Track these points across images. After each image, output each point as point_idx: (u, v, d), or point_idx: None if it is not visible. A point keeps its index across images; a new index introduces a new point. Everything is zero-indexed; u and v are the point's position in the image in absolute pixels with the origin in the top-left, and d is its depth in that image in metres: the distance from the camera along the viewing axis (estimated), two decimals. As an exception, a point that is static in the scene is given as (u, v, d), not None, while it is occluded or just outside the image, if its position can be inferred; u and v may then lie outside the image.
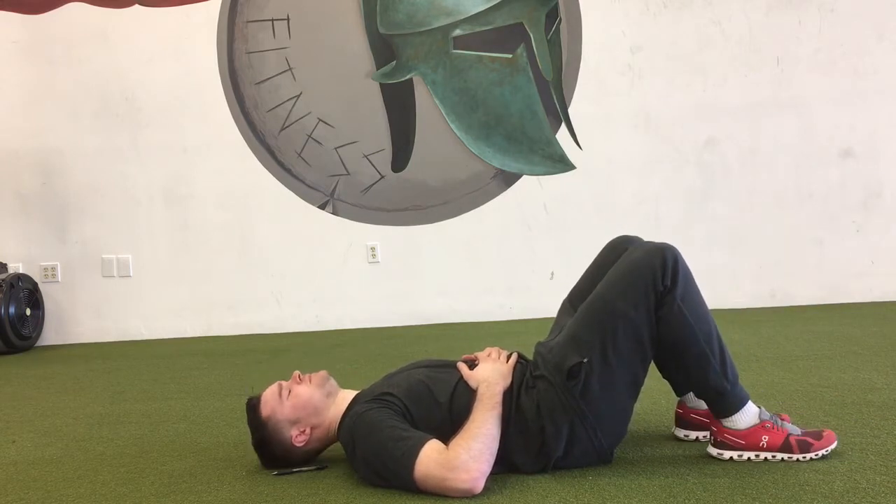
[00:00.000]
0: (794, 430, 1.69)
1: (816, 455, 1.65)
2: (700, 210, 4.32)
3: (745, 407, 1.67)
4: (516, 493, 1.57)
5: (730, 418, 1.67)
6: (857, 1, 4.19)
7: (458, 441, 1.58)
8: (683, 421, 1.88)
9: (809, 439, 1.66)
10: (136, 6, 4.49)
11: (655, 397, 2.22)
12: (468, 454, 1.55)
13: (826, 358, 2.73)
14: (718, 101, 4.28)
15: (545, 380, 1.68)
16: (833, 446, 1.67)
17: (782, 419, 1.77)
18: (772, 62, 4.25)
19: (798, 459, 1.65)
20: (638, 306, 1.63)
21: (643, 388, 1.71)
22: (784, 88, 4.24)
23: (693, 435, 1.86)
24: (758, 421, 1.67)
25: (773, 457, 1.66)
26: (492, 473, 1.59)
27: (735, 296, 4.24)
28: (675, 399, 1.90)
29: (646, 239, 1.86)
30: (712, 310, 1.72)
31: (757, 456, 1.66)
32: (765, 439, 1.66)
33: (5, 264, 4.50)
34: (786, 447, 1.65)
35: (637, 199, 4.35)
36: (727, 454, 1.68)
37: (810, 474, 1.56)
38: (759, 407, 1.69)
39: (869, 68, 4.20)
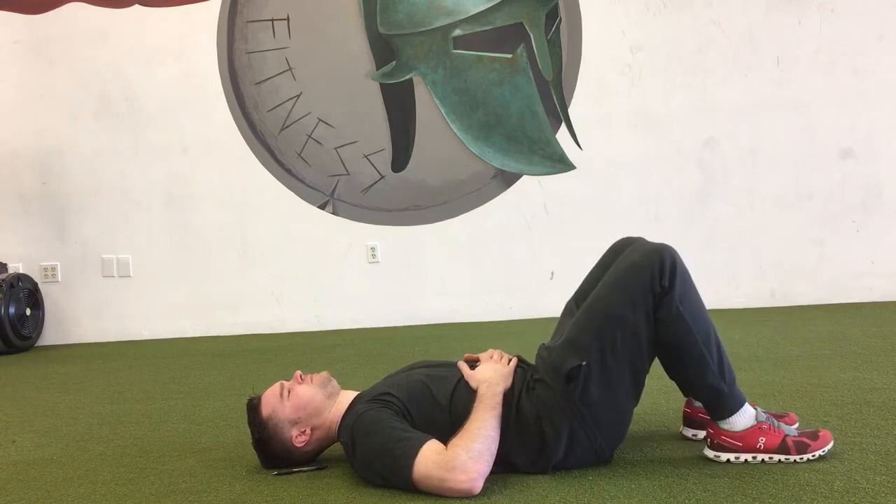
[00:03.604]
0: (791, 431, 1.68)
1: (813, 456, 1.64)
2: (700, 210, 4.32)
3: (742, 409, 1.66)
4: (516, 493, 1.56)
5: (726, 420, 1.67)
6: (857, 1, 4.19)
7: (458, 441, 1.58)
8: (691, 420, 1.87)
9: (806, 440, 1.66)
10: (136, 6, 4.49)
11: (655, 397, 2.22)
12: (467, 455, 1.55)
13: (826, 358, 2.73)
14: (718, 101, 4.28)
15: (543, 383, 1.68)
16: (829, 446, 1.66)
17: (788, 419, 1.76)
18: (772, 62, 4.24)
19: (795, 461, 1.64)
20: (636, 308, 1.62)
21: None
22: (784, 88, 4.24)
23: (701, 434, 1.85)
24: (754, 423, 1.66)
25: (770, 458, 1.65)
26: (492, 473, 1.59)
27: (735, 296, 4.24)
28: (674, 399, 1.90)
29: (648, 239, 1.85)
30: (712, 310, 1.71)
31: (754, 458, 1.66)
32: (762, 441, 1.65)
33: (5, 264, 4.50)
34: (783, 448, 1.65)
35: (637, 199, 4.35)
36: (724, 456, 1.67)
37: (810, 474, 1.56)
38: (756, 408, 1.69)
39: (869, 68, 4.20)
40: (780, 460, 1.65)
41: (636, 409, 1.73)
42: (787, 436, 1.66)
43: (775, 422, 1.69)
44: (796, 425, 1.79)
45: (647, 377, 1.69)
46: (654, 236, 1.82)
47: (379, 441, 1.61)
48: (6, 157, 4.58)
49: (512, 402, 1.69)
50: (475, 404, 1.65)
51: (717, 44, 4.27)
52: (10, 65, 4.55)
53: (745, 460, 1.66)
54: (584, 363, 1.62)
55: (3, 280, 4.25)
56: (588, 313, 1.69)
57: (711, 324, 1.67)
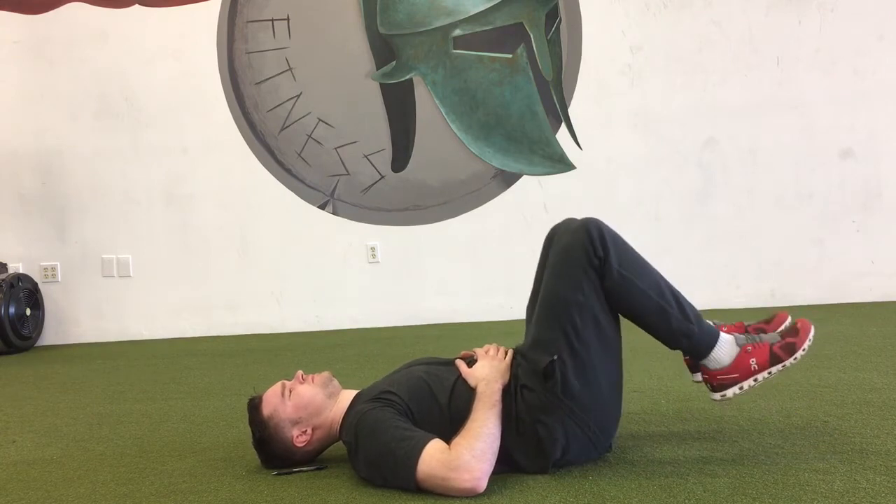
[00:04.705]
0: (773, 337, 1.69)
1: (804, 350, 1.65)
2: (700, 210, 4.31)
3: (719, 339, 1.67)
4: (516, 493, 1.56)
5: (710, 356, 1.67)
6: (857, 1, 4.19)
7: (460, 441, 1.57)
8: (693, 366, 1.87)
9: (790, 339, 1.67)
10: (136, 6, 4.49)
11: (655, 397, 2.22)
12: (471, 454, 1.54)
13: (826, 358, 2.73)
14: (718, 101, 4.28)
15: (527, 388, 1.69)
16: (812, 333, 1.67)
17: (777, 320, 1.77)
18: (772, 62, 4.25)
19: (791, 364, 1.64)
20: (583, 288, 1.64)
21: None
22: (784, 88, 4.24)
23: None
24: (737, 348, 1.67)
25: (770, 374, 1.65)
26: (494, 472, 1.59)
27: (735, 296, 4.24)
28: (675, 399, 1.90)
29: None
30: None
31: (755, 381, 1.66)
32: (753, 362, 1.65)
33: (5, 264, 4.50)
34: (774, 359, 1.65)
35: (637, 199, 4.34)
36: (729, 392, 1.67)
37: (810, 474, 1.56)
38: (733, 335, 1.70)
39: (869, 68, 4.20)
40: (778, 371, 1.65)
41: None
42: (771, 346, 1.67)
43: (755, 337, 1.70)
44: (787, 321, 1.79)
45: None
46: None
47: (382, 441, 1.61)
48: (6, 157, 4.58)
49: (510, 399, 1.69)
50: (475, 403, 1.65)
51: (717, 44, 4.27)
52: (10, 65, 4.55)
53: (749, 387, 1.66)
54: (555, 357, 1.63)
55: (3, 280, 4.25)
56: (542, 308, 1.71)
57: (658, 274, 1.69)
